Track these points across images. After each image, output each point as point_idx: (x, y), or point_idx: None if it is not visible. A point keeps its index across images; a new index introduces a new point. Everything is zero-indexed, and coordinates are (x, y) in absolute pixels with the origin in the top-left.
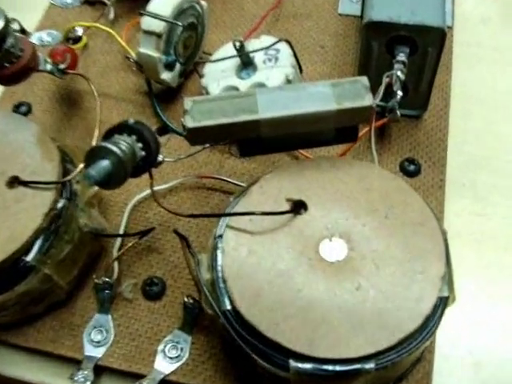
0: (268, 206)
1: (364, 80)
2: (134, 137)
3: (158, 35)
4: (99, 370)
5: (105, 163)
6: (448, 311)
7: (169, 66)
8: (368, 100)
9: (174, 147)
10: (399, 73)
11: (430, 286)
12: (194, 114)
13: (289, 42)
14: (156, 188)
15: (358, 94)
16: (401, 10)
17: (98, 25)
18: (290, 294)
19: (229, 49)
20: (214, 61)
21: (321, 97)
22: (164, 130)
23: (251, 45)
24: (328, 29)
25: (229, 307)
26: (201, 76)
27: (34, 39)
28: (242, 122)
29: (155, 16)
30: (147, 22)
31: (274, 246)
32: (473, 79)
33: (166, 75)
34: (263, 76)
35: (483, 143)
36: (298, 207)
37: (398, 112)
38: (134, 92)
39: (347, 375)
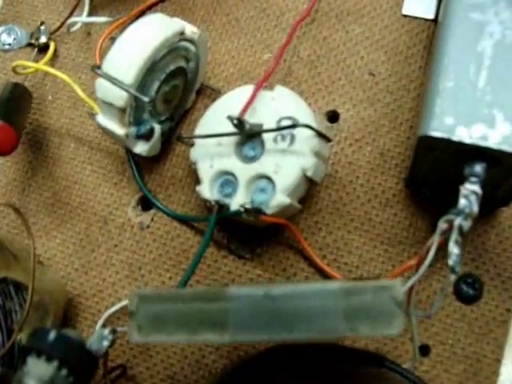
0: None
1: (395, 289)
2: (55, 363)
3: (120, 109)
4: None
5: None
6: None
7: (144, 136)
8: (397, 326)
9: (158, 231)
10: (463, 222)
11: None
12: (141, 319)
13: (310, 127)
14: None
15: (383, 314)
16: (474, 118)
17: (45, 67)
18: None
19: (237, 96)
20: (204, 136)
21: (325, 314)
22: (147, 203)
23: (260, 100)
24: (384, 41)
25: None
26: (190, 144)
27: None
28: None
29: (112, 81)
30: (102, 89)
31: None
32: None
33: (140, 148)
34: (271, 164)
35: None
36: None
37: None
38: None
39: None
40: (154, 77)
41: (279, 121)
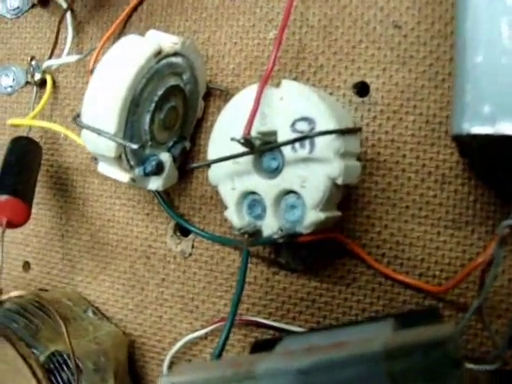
0: None
1: (449, 343)
2: None
3: (114, 158)
4: None
5: None
6: None
7: (153, 172)
8: None
9: (202, 258)
10: None
11: None
12: None
13: (327, 132)
14: (194, 335)
15: (437, 376)
16: None
17: (34, 122)
18: None
19: (244, 100)
20: (215, 161)
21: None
22: (184, 229)
23: (267, 103)
24: None
25: None
26: (206, 166)
27: None
28: None
29: (96, 132)
30: (89, 141)
31: None
32: None
33: (154, 184)
34: (294, 177)
35: None
36: None
37: None
38: None
39: None
40: (142, 110)
41: (293, 124)
